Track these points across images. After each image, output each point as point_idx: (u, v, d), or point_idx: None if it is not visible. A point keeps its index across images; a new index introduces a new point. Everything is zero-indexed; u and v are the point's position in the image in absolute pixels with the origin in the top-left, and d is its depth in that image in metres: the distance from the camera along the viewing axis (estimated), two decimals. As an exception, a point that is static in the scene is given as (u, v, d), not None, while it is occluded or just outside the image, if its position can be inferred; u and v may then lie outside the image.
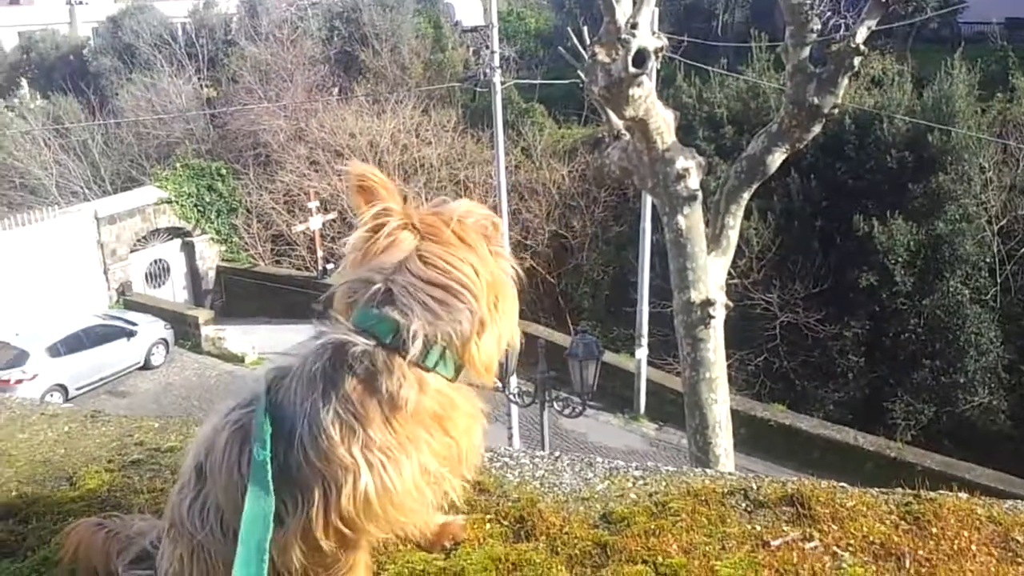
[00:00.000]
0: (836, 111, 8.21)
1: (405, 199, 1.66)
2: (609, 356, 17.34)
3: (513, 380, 14.52)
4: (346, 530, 1.57)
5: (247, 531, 1.58)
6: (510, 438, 15.58)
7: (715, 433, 8.75)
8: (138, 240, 24.91)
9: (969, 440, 16.84)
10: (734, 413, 9.39)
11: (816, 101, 7.90)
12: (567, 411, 14.58)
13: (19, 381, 18.45)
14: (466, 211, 1.64)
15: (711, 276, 8.47)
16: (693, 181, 8.11)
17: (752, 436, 15.28)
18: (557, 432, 16.79)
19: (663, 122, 7.81)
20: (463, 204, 1.67)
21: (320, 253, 24.24)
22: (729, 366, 9.49)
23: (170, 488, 2.23)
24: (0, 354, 19.62)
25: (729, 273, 9.04)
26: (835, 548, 1.74)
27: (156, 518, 2.08)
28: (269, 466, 1.58)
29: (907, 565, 1.66)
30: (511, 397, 14.51)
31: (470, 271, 1.55)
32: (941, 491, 1.90)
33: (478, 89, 27.86)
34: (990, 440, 16.85)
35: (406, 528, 1.72)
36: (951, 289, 17.59)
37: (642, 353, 18.50)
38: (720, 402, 8.75)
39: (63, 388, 19.55)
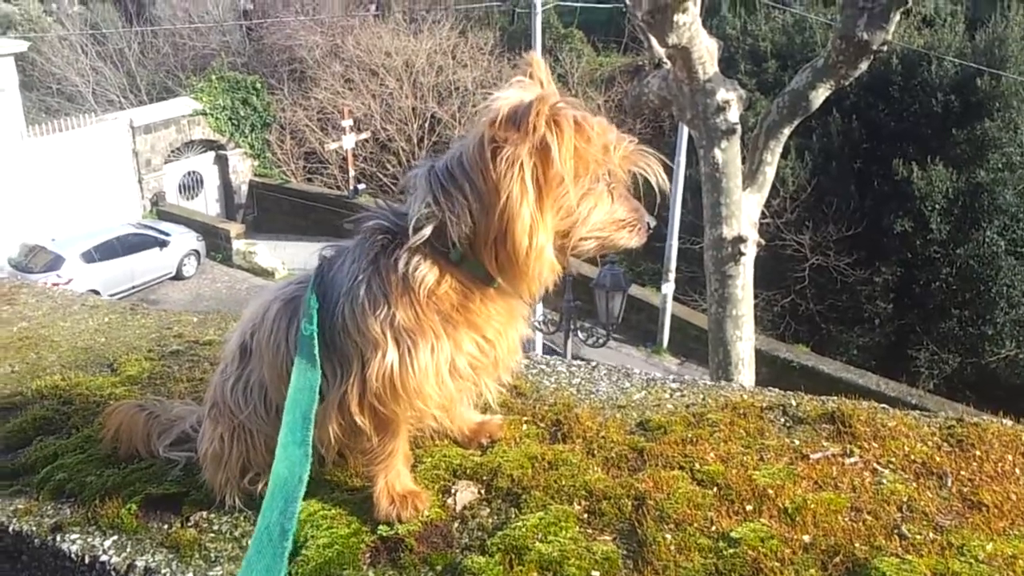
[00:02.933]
0: (885, 48, 8.03)
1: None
2: (635, 289, 17.30)
3: (539, 308, 14.57)
4: (378, 406, 1.60)
5: (293, 400, 1.60)
6: (532, 366, 15.68)
7: (738, 370, 8.77)
8: (172, 151, 24.91)
9: (991, 393, 16.71)
10: (757, 353, 9.37)
11: (865, 36, 7.69)
12: (591, 341, 14.66)
13: (55, 285, 18.63)
14: (525, 107, 1.48)
15: (744, 212, 8.39)
16: (733, 114, 8.01)
17: (773, 376, 15.27)
18: (579, 362, 16.85)
19: (706, 52, 7.67)
20: (544, 95, 1.52)
21: (352, 172, 24.14)
22: (755, 306, 9.44)
23: (209, 377, 2.27)
24: (36, 258, 19.98)
25: (762, 212, 8.94)
26: (875, 465, 1.73)
27: (196, 404, 2.12)
28: (316, 340, 1.60)
29: (949, 484, 1.65)
30: (536, 324, 14.58)
31: (481, 167, 1.47)
32: (985, 416, 1.88)
33: (517, 11, 27.30)
34: (1013, 393, 16.71)
35: (431, 417, 1.71)
36: (987, 239, 17.28)
37: (668, 288, 18.45)
38: (745, 340, 8.74)
39: (96, 294, 19.80)
